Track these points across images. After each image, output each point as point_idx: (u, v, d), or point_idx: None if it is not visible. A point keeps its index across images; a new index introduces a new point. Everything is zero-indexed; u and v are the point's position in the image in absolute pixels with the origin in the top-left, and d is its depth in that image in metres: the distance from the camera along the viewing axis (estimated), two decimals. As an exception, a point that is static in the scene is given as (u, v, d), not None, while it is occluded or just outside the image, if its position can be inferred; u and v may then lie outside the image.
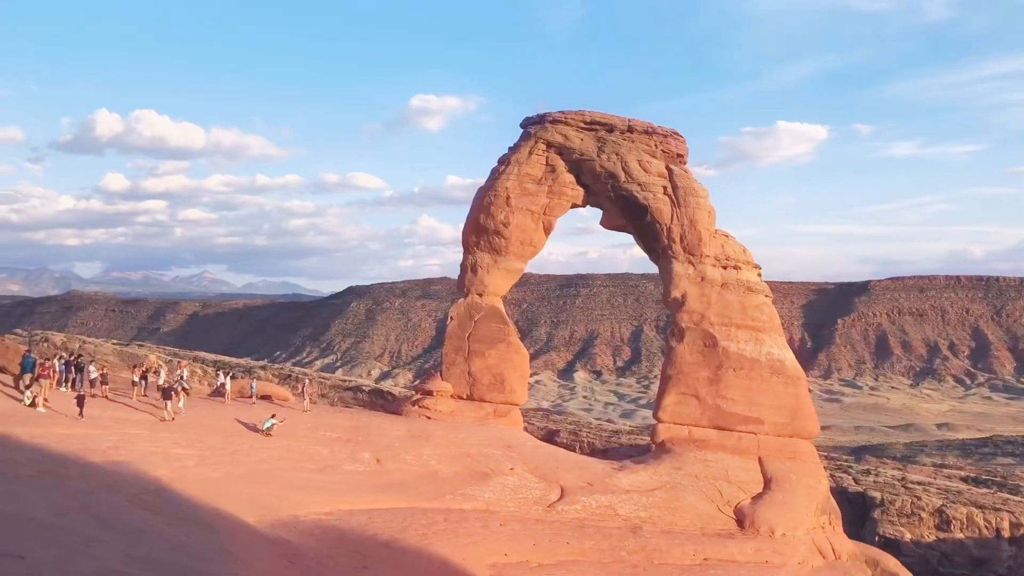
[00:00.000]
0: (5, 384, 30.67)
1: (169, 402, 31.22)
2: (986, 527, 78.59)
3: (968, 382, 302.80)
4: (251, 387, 42.67)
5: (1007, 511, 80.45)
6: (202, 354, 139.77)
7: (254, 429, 32.48)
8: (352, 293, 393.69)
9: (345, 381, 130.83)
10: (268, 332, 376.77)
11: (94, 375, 34.03)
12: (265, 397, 43.25)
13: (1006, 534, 77.09)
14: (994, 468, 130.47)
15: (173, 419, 30.33)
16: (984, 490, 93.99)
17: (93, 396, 32.06)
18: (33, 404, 27.52)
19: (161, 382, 33.81)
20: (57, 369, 33.95)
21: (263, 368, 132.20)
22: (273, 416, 33.14)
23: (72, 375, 34.04)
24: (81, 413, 28.08)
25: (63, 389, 33.00)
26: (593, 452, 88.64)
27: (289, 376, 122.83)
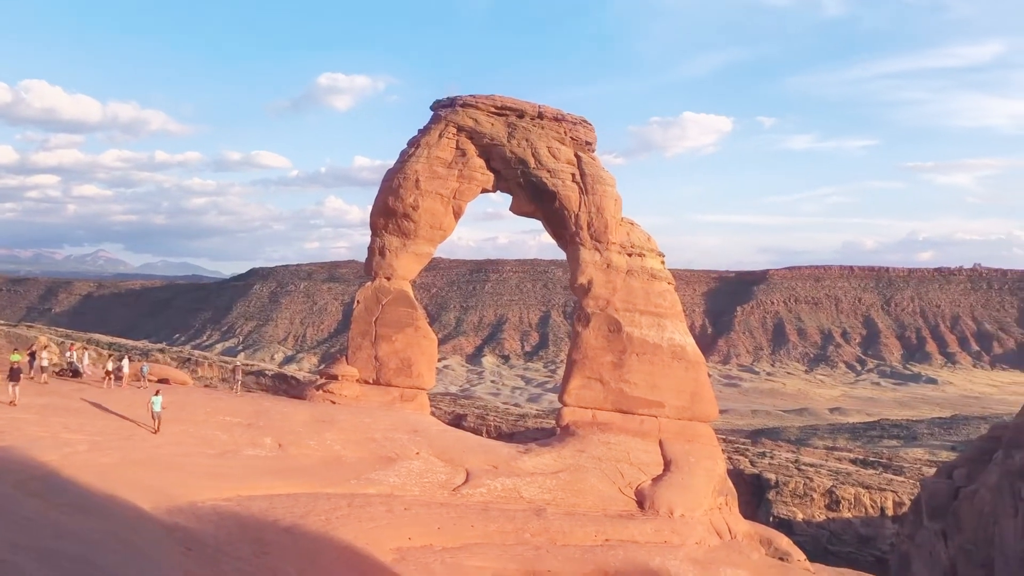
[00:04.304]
0: None
1: (15, 384, 28.70)
2: (872, 506, 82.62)
3: (859, 368, 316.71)
4: (142, 370, 40.95)
5: (891, 491, 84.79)
6: (97, 336, 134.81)
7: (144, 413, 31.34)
8: (255, 275, 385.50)
9: (247, 365, 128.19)
10: (167, 314, 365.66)
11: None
12: (163, 381, 41.99)
13: (890, 513, 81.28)
14: (880, 450, 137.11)
15: (14, 404, 28.32)
16: (871, 471, 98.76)
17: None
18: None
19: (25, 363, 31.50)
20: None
21: (161, 351, 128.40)
22: (158, 392, 31.59)
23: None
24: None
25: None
26: (500, 436, 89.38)
27: (188, 359, 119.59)
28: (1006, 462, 54.11)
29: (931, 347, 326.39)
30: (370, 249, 45.36)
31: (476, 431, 78.73)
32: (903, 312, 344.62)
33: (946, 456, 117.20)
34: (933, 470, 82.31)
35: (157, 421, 29.82)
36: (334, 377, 43.46)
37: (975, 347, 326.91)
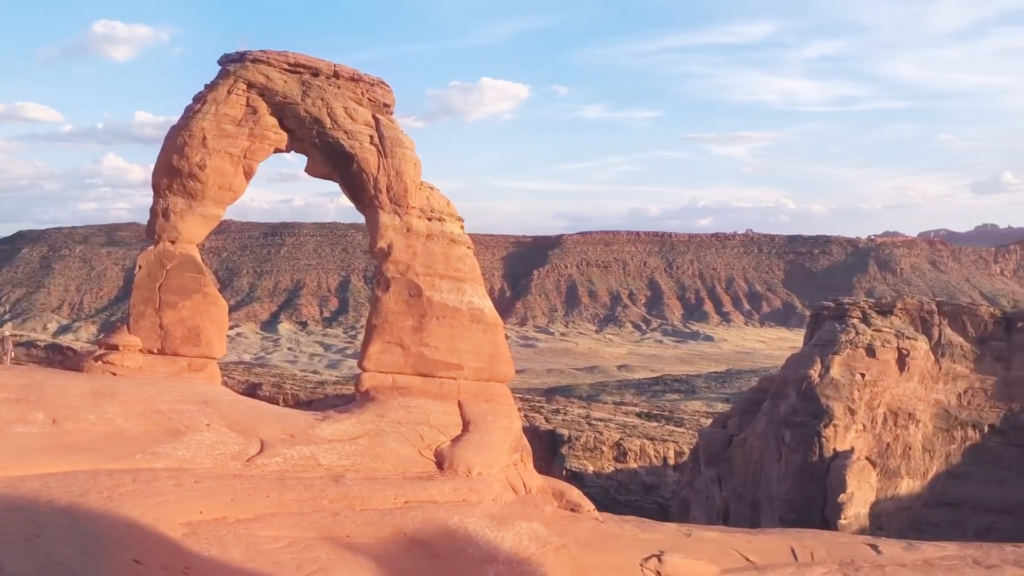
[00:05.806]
0: None
1: None
2: (656, 456, 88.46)
3: (644, 327, 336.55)
4: None
5: (672, 441, 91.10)
6: None
7: None
8: (23, 238, 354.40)
9: (16, 336, 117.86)
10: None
11: None
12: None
13: (672, 462, 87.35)
14: (663, 404, 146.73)
15: None
16: (655, 424, 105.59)
17: None
18: None
19: None
20: None
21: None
22: None
23: None
24: None
25: None
26: (298, 404, 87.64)
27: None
28: (772, 412, 59.55)
29: (708, 307, 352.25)
30: (153, 211, 42.63)
31: (272, 400, 76.83)
32: (684, 275, 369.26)
33: (721, 407, 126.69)
34: (710, 421, 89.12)
35: None
36: (114, 347, 40.70)
37: (747, 306, 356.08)
